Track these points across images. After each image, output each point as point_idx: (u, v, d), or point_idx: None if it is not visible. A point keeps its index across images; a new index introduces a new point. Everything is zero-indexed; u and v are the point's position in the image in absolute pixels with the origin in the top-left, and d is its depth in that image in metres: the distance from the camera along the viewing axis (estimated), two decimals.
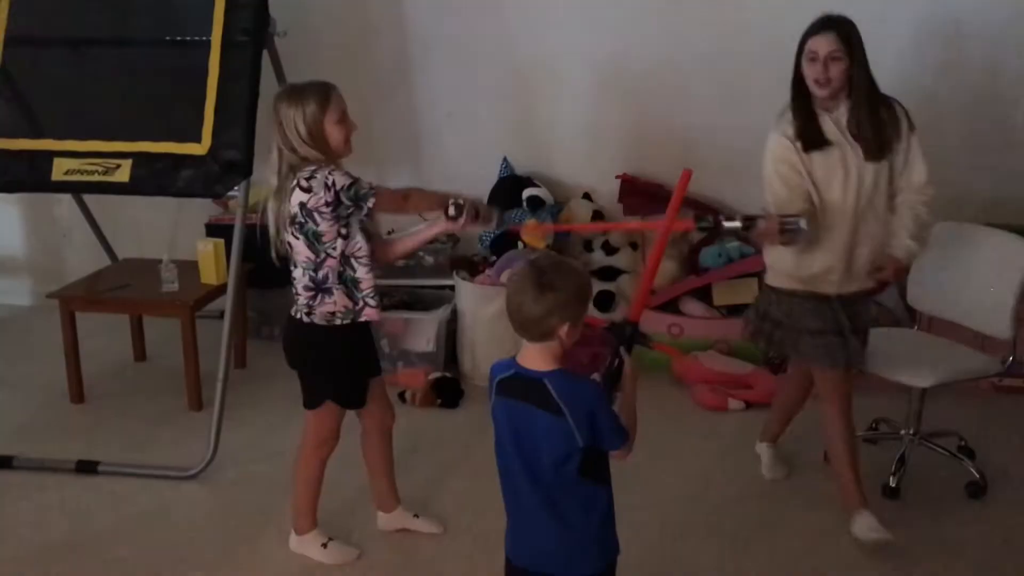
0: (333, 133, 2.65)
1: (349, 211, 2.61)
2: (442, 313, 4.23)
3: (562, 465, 1.90)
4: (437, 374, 4.18)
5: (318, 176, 2.58)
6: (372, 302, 2.69)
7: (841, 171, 2.85)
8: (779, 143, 2.90)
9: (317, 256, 2.63)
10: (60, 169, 3.71)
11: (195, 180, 3.63)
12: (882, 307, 4.24)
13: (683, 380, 4.20)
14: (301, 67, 4.39)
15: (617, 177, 4.55)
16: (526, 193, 4.49)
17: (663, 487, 3.37)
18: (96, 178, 3.68)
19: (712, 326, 4.35)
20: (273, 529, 3.11)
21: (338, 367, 2.78)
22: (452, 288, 4.40)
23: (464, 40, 4.60)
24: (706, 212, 4.56)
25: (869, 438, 3.68)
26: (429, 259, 4.44)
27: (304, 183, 2.58)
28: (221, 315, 3.73)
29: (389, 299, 4.33)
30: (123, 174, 3.67)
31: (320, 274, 2.65)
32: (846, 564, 2.91)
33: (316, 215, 2.58)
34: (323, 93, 2.65)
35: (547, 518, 1.94)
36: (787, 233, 2.73)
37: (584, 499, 1.96)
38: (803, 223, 2.72)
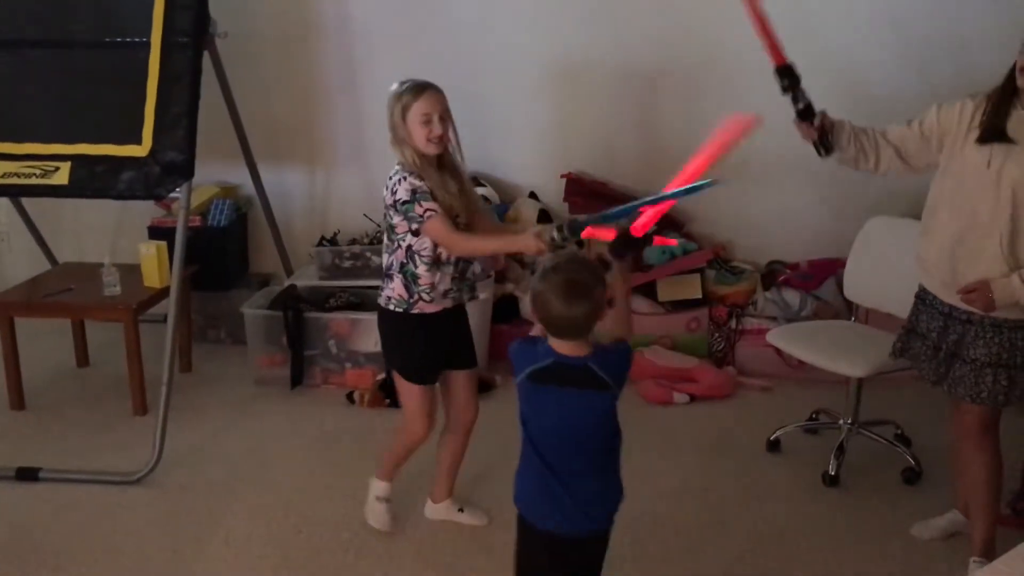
0: (415, 132, 2.72)
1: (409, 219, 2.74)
2: None
3: (612, 434, 2.10)
4: (385, 375, 4.19)
5: (393, 177, 2.75)
6: (427, 298, 2.80)
7: (990, 172, 2.55)
8: (957, 105, 2.66)
9: (391, 243, 2.82)
10: None
11: (136, 182, 3.60)
12: (821, 300, 4.35)
13: (629, 376, 4.25)
14: (243, 68, 4.40)
15: (562, 176, 4.59)
16: None
17: None
18: (34, 181, 3.63)
19: (657, 322, 4.42)
20: (221, 532, 3.10)
21: (393, 346, 2.93)
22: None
23: (410, 40, 4.60)
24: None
25: (810, 428, 3.77)
26: (376, 259, 4.44)
27: (389, 179, 2.77)
28: (165, 319, 3.70)
29: (336, 300, 4.32)
30: (62, 177, 3.61)
31: (389, 260, 2.84)
32: (790, 555, 2.98)
33: (390, 209, 2.76)
34: (414, 90, 2.74)
35: (598, 484, 2.11)
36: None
37: (616, 450, 2.14)
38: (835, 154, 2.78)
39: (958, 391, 2.68)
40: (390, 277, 2.82)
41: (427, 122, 2.70)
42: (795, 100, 2.74)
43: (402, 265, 2.79)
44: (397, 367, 2.93)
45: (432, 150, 2.73)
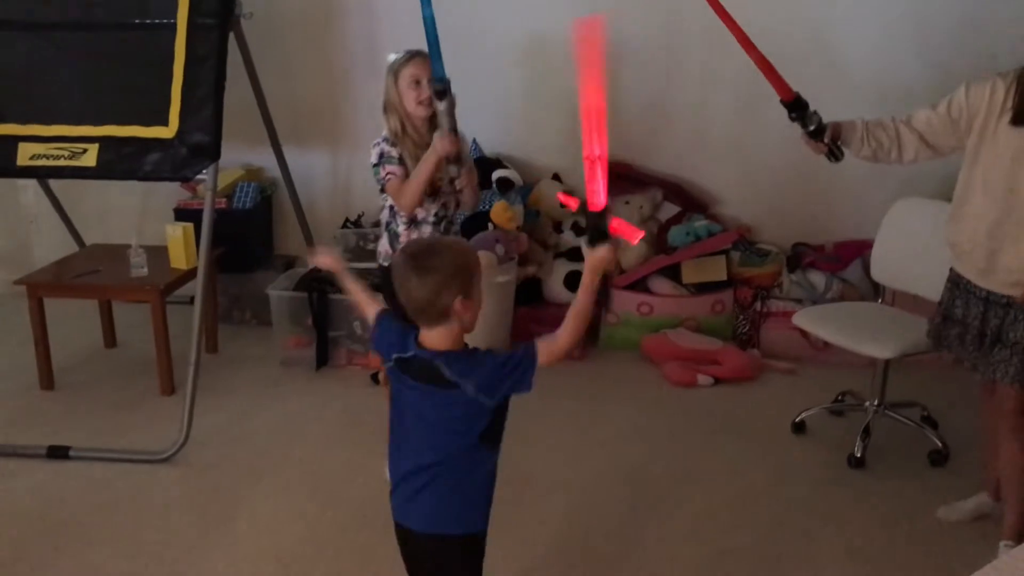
0: (406, 96, 2.95)
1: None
2: None
3: (461, 434, 1.94)
4: None
5: (377, 141, 3.00)
6: None
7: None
8: (987, 85, 2.57)
9: (382, 203, 3.08)
10: (25, 154, 3.68)
11: (163, 164, 3.62)
12: (846, 282, 4.32)
13: (653, 357, 4.25)
14: (268, 50, 4.41)
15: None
16: (495, 175, 4.51)
17: (633, 463, 3.42)
18: (62, 163, 3.66)
19: (681, 304, 4.40)
20: (247, 510, 3.13)
21: (388, 296, 2.93)
22: None
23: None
24: (693, 206, 4.61)
25: (835, 410, 3.76)
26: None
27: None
28: (191, 300, 3.72)
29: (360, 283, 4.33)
30: (90, 158, 3.64)
31: (381, 217, 3.13)
32: (813, 532, 2.98)
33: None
34: (405, 57, 2.97)
35: (441, 482, 1.97)
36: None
37: (475, 462, 1.99)
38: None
39: (997, 374, 2.64)
40: (381, 235, 3.11)
41: (416, 84, 2.93)
42: (804, 126, 2.75)
43: (387, 224, 3.07)
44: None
45: (422, 112, 2.95)
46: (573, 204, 2.06)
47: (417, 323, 1.94)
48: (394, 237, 3.07)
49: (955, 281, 2.78)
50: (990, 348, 2.67)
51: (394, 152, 2.97)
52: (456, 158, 2.90)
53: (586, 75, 1.84)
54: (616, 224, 1.91)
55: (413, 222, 3.03)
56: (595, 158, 1.86)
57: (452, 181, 2.99)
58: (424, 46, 2.75)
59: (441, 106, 2.79)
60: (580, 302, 1.92)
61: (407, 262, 1.91)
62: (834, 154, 2.81)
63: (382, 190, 3.01)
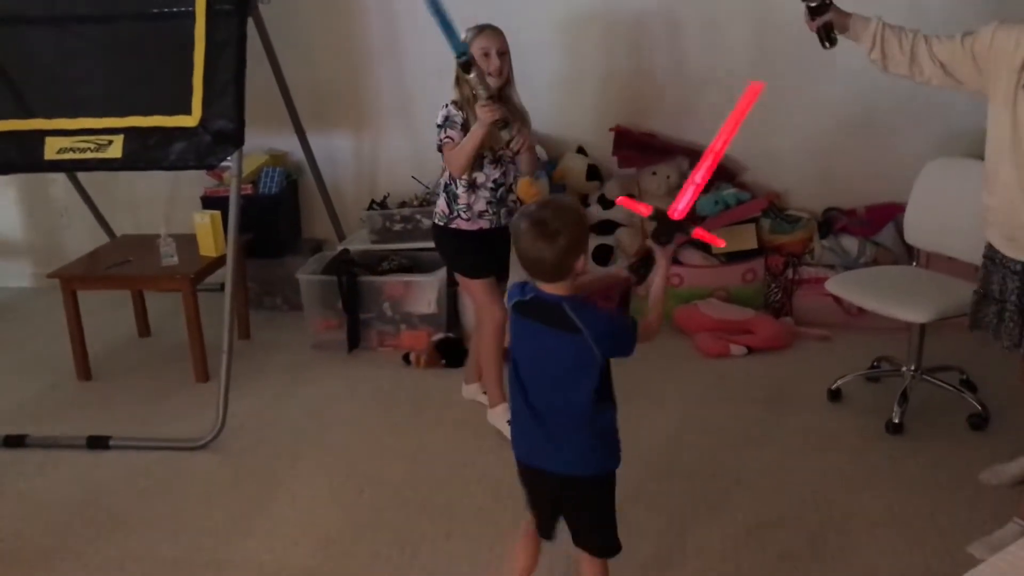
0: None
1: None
2: (442, 275, 4.24)
3: (579, 380, 2.05)
4: (440, 335, 4.21)
5: (446, 103, 3.14)
6: (464, 215, 3.22)
7: None
8: (1014, 32, 2.40)
9: (443, 167, 3.22)
10: (52, 148, 3.70)
11: (188, 152, 3.62)
12: (880, 246, 4.26)
13: (685, 329, 4.23)
14: (287, 34, 4.40)
15: (611, 130, 4.53)
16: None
17: (667, 434, 3.40)
18: (89, 155, 3.67)
19: (711, 274, 4.36)
20: (285, 494, 3.15)
21: (446, 253, 3.43)
22: None
23: None
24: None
25: (871, 376, 3.71)
26: (426, 222, 4.44)
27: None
28: (221, 287, 3.74)
29: (388, 263, 4.34)
30: (115, 150, 3.65)
31: (440, 180, 3.31)
32: (856, 504, 2.95)
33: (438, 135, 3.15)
34: (476, 30, 3.11)
35: (577, 432, 2.11)
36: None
37: (604, 414, 2.13)
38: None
39: None
40: (439, 196, 3.28)
41: (485, 55, 3.05)
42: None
43: (446, 185, 3.23)
44: (457, 270, 3.38)
45: (492, 83, 3.02)
46: (645, 211, 2.22)
47: (535, 279, 2.07)
48: (453, 198, 3.21)
49: (990, 256, 2.66)
50: None
51: (458, 118, 3.11)
52: (503, 123, 2.98)
53: (728, 126, 2.13)
54: (699, 233, 2.18)
55: (472, 186, 3.18)
56: (695, 184, 2.17)
57: (509, 144, 3.07)
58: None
59: (471, 77, 2.88)
60: (658, 287, 2.20)
61: (533, 227, 2.00)
62: (825, 40, 2.73)
63: (439, 150, 3.16)
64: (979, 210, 2.67)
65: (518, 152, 3.11)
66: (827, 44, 2.76)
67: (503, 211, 3.25)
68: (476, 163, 3.14)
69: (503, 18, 4.46)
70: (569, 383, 2.07)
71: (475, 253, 3.27)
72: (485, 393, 3.50)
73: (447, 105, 3.14)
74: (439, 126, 3.13)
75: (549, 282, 2.05)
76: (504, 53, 3.09)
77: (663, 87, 4.55)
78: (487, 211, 3.22)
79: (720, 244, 2.31)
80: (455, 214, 3.23)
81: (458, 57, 2.82)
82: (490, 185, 3.20)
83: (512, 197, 3.28)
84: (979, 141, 2.65)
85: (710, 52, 4.46)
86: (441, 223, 3.27)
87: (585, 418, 2.09)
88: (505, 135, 3.02)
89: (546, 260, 2.00)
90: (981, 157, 2.65)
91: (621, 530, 2.22)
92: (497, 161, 3.19)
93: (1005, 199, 2.51)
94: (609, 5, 4.49)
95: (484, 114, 2.95)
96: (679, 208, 2.16)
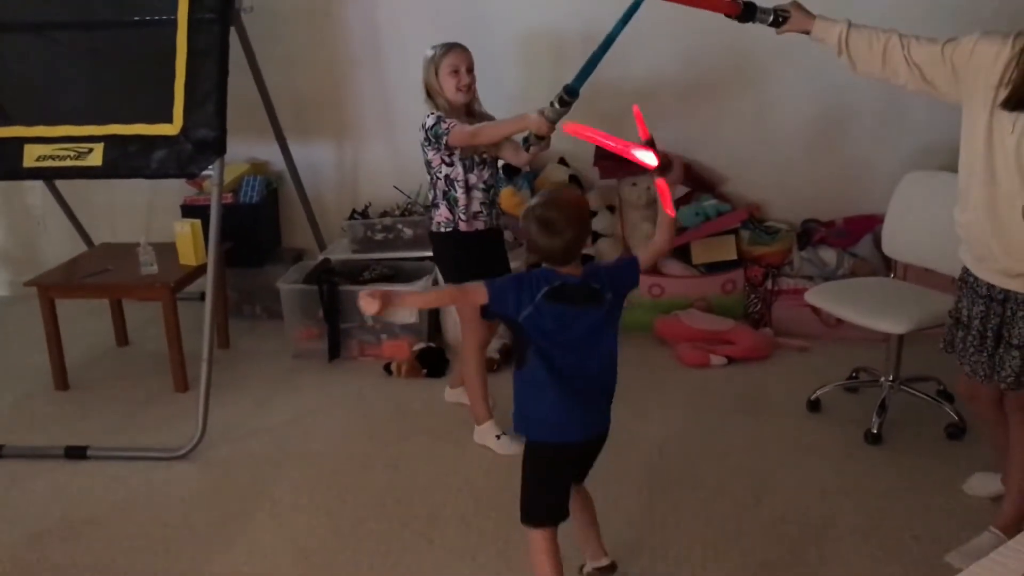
0: (446, 84, 3.21)
1: (439, 145, 3.18)
2: (423, 284, 4.24)
3: (610, 335, 2.26)
4: (422, 345, 4.20)
5: (426, 119, 3.21)
6: (464, 218, 3.29)
7: (1013, 137, 2.31)
8: (996, 44, 2.32)
9: (431, 179, 3.31)
10: (31, 155, 3.67)
11: (168, 161, 3.61)
12: (857, 257, 4.31)
13: (666, 339, 4.25)
14: (269, 43, 4.40)
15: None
16: (501, 160, 4.48)
17: (649, 444, 3.42)
18: (69, 163, 3.65)
19: (692, 284, 4.39)
20: (266, 504, 3.14)
21: (447, 262, 3.45)
22: (432, 259, 4.40)
23: (434, 9, 4.57)
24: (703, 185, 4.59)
25: (850, 386, 3.75)
26: (408, 232, 4.45)
27: (421, 126, 3.24)
28: (201, 296, 3.73)
29: (370, 273, 4.34)
30: (96, 158, 3.64)
31: (431, 194, 3.35)
32: (835, 513, 2.97)
33: (424, 148, 3.24)
34: (444, 48, 3.23)
35: (606, 381, 2.31)
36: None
37: (615, 361, 2.31)
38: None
39: (1002, 374, 2.48)
40: (436, 207, 3.33)
41: (455, 72, 3.19)
42: (767, 24, 2.70)
43: (444, 193, 3.29)
44: (453, 279, 3.29)
45: (461, 98, 3.22)
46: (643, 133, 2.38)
47: (564, 263, 2.22)
48: (454, 203, 3.28)
49: (963, 279, 2.60)
50: (991, 348, 2.51)
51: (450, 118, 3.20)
52: (541, 138, 3.13)
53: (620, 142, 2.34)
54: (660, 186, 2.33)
55: (467, 188, 3.27)
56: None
57: (527, 147, 3.19)
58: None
59: (560, 108, 2.97)
60: (666, 215, 2.33)
61: (542, 228, 2.18)
62: (751, 17, 2.71)
63: (444, 146, 3.19)
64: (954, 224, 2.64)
65: (533, 156, 3.27)
66: (745, 19, 2.75)
67: (494, 212, 3.39)
68: (468, 164, 3.25)
69: (487, 30, 4.49)
70: (604, 344, 2.25)
71: (478, 263, 3.28)
72: (499, 438, 3.43)
73: (433, 112, 3.21)
74: (435, 124, 3.17)
75: (570, 262, 2.22)
76: (471, 70, 3.24)
77: (645, 100, 4.56)
78: (481, 212, 3.32)
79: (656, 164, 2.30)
80: (457, 218, 3.30)
81: (569, 94, 2.93)
82: (481, 186, 3.30)
83: (496, 199, 3.42)
84: (956, 154, 2.63)
85: (693, 65, 4.49)
86: (447, 230, 3.32)
87: (616, 362, 2.29)
88: (532, 139, 3.14)
89: (572, 239, 2.19)
90: (956, 170, 2.62)
91: (607, 535, 2.23)
92: (484, 163, 3.30)
93: (976, 217, 2.46)
94: (592, 17, 4.51)
95: (540, 124, 3.03)
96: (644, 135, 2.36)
